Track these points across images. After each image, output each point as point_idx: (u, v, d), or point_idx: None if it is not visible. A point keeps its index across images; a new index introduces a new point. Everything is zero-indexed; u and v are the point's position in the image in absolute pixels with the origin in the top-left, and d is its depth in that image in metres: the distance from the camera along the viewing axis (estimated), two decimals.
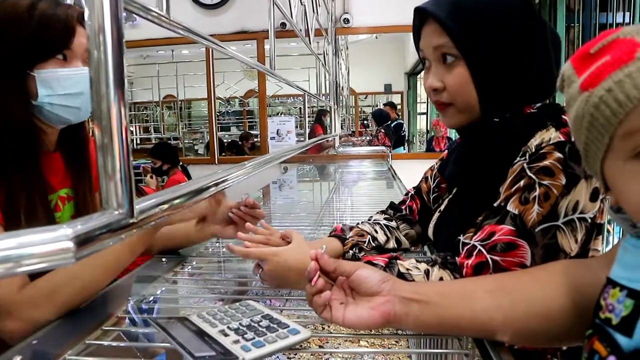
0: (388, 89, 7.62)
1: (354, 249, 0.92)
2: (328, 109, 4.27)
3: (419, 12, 0.79)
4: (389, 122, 6.02)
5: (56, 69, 0.85)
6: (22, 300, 0.74)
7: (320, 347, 1.05)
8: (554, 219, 0.66)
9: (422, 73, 0.84)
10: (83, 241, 0.34)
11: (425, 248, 1.07)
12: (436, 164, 1.04)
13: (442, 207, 0.91)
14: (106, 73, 0.38)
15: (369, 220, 1.03)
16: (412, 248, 1.03)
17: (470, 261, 0.68)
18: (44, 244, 0.31)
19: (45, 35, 0.83)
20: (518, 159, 0.71)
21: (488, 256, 0.67)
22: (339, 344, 1.11)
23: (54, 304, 0.75)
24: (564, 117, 0.70)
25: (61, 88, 0.85)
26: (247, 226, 0.92)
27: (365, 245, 0.94)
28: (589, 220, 0.67)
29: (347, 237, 0.95)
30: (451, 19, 0.74)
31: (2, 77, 0.83)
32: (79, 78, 0.87)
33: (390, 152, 3.89)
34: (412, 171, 1.85)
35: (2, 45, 0.82)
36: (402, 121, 6.45)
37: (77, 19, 0.87)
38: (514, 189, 0.69)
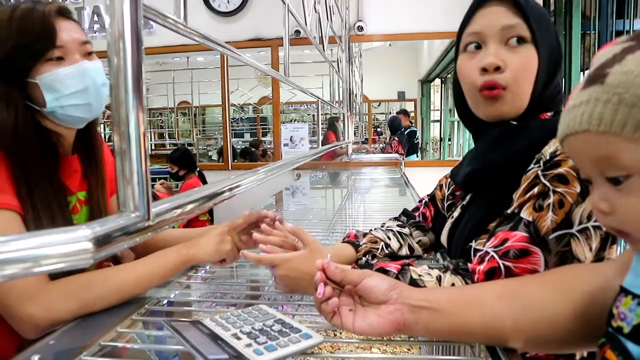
0: (401, 96, 7.62)
1: (367, 256, 0.92)
2: (340, 116, 4.27)
3: None
4: (403, 129, 6.02)
5: (55, 70, 0.84)
6: (51, 288, 0.76)
7: (332, 353, 1.05)
8: (568, 227, 0.66)
9: (479, 63, 0.79)
10: (101, 242, 0.34)
11: (438, 255, 1.07)
12: (451, 171, 1.03)
13: (455, 214, 0.91)
14: (125, 79, 0.39)
15: (382, 226, 1.03)
16: (425, 255, 1.03)
17: (482, 267, 0.68)
18: (63, 244, 0.32)
19: (25, 40, 0.82)
20: (532, 165, 0.71)
21: (500, 262, 0.67)
22: (351, 351, 1.11)
23: (80, 300, 0.77)
24: None
25: (66, 88, 0.85)
26: (262, 228, 0.92)
27: (379, 252, 0.94)
28: (604, 229, 0.67)
29: (361, 243, 0.95)
30: (526, 2, 0.75)
31: (1, 88, 0.83)
32: (80, 74, 0.86)
33: (403, 159, 3.88)
34: (425, 179, 1.84)
35: None
36: (415, 129, 6.44)
37: (59, 13, 0.85)
38: (527, 195, 0.69)
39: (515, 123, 0.77)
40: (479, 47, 0.78)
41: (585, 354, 0.74)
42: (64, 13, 0.87)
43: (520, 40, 0.75)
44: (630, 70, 0.40)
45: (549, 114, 0.79)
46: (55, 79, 0.84)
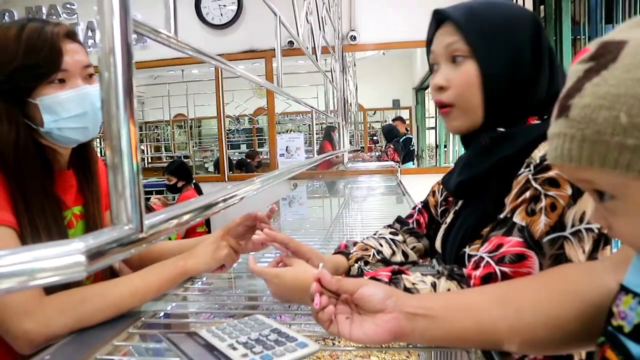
0: (396, 104, 7.65)
1: (358, 262, 0.92)
2: (336, 125, 4.29)
3: (436, 15, 0.82)
4: (398, 137, 6.04)
5: (57, 93, 0.84)
6: (46, 303, 0.76)
7: None
8: (561, 230, 0.66)
9: (430, 84, 0.84)
10: (94, 255, 0.35)
11: (434, 262, 1.07)
12: (443, 178, 1.04)
13: (448, 220, 0.91)
14: (116, 94, 0.39)
15: (375, 234, 1.03)
16: (421, 261, 1.03)
17: (478, 272, 0.68)
18: (57, 257, 0.33)
19: (32, 61, 0.82)
20: (522, 170, 0.72)
21: (497, 268, 0.67)
22: (350, 359, 1.11)
23: (76, 315, 0.77)
24: None
25: (65, 112, 0.85)
26: (265, 232, 0.91)
27: (370, 258, 0.94)
28: (596, 231, 0.67)
29: (351, 251, 0.95)
30: (465, 19, 0.77)
31: (2, 105, 0.83)
32: (80, 98, 0.86)
33: (399, 167, 3.89)
34: (422, 186, 1.84)
35: None
36: (411, 136, 6.46)
37: (67, 36, 0.86)
38: (519, 200, 0.70)
39: (503, 130, 0.78)
40: (435, 66, 0.83)
41: (583, 356, 0.74)
42: (71, 36, 0.87)
43: (461, 57, 0.77)
44: (588, 104, 0.40)
45: (537, 119, 0.79)
46: (56, 101, 0.85)
